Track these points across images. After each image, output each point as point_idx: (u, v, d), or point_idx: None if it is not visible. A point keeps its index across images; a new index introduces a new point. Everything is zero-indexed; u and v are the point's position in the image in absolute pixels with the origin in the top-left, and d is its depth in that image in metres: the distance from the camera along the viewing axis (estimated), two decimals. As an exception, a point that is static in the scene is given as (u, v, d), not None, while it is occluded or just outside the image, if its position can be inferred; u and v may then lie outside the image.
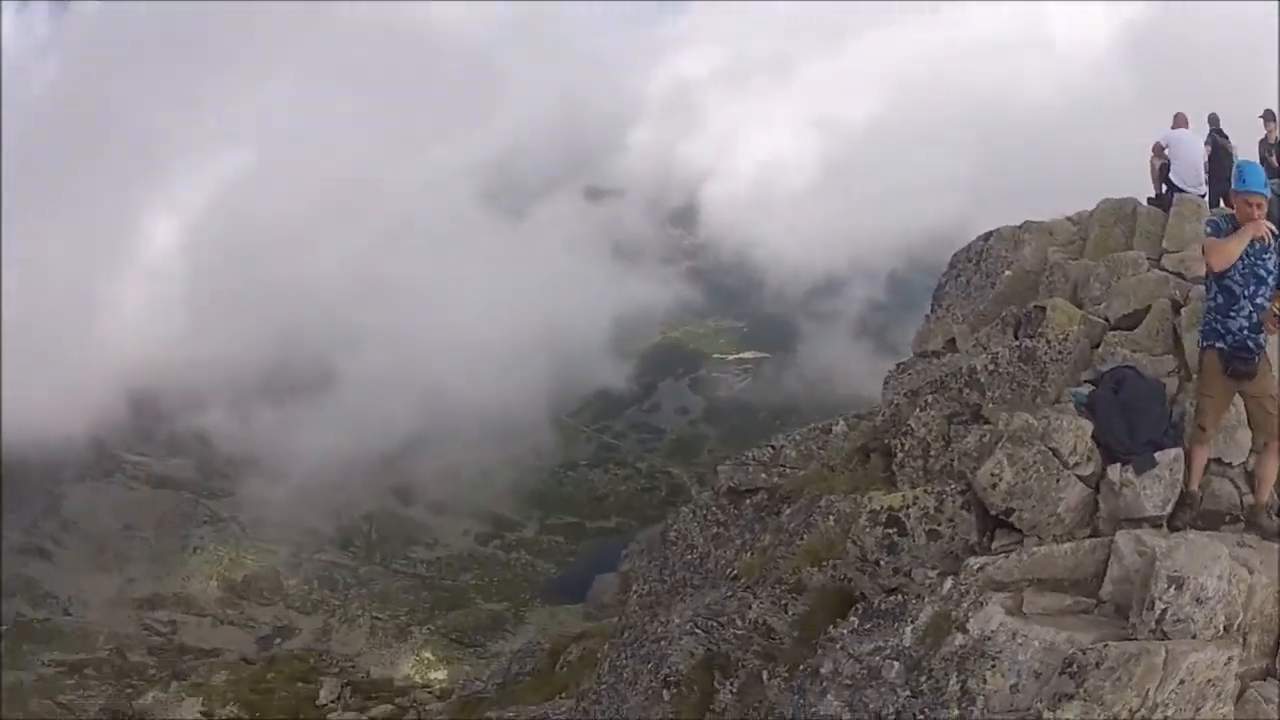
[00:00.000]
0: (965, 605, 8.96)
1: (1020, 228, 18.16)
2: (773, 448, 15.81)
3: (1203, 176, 18.10)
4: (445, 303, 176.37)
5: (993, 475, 9.81)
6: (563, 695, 25.66)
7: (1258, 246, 9.41)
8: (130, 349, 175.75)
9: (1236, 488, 10.78)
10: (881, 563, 10.60)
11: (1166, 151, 18.55)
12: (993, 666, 8.43)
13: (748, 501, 15.18)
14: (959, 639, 8.77)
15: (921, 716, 8.66)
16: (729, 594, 13.07)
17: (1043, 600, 8.99)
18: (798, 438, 15.76)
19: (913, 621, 9.45)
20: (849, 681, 9.76)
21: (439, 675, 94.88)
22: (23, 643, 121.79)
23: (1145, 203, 17.81)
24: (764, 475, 15.29)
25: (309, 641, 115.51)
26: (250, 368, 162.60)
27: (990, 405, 12.03)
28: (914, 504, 10.56)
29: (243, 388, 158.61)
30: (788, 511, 13.61)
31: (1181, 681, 7.61)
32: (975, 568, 9.34)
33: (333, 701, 50.47)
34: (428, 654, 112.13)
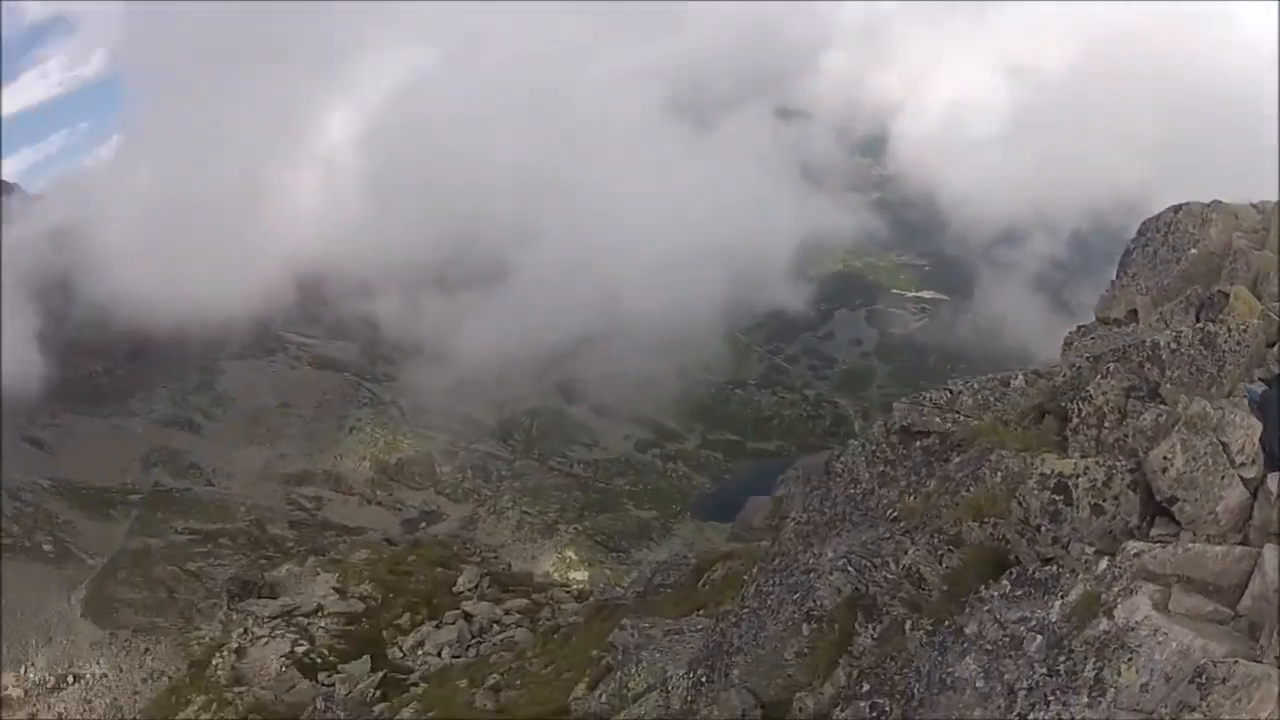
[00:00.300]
0: (1115, 590, 8.95)
1: (1209, 206, 17.67)
2: (950, 392, 15.61)
3: None
4: (624, 207, 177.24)
5: (1165, 459, 9.68)
6: (700, 613, 26.05)
7: None
8: (302, 235, 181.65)
9: None
10: (1043, 529, 10.58)
11: None
12: (1129, 660, 8.39)
13: (918, 444, 15.10)
14: (1104, 624, 8.77)
15: (1052, 698, 8.71)
16: (886, 535, 13.14)
17: (1188, 601, 8.83)
18: (975, 385, 15.51)
19: (1063, 597, 9.45)
20: (990, 647, 9.82)
21: (579, 576, 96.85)
22: (156, 510, 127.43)
23: None
24: (938, 419, 15.14)
25: (454, 529, 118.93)
26: (423, 258, 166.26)
27: (1168, 385, 11.82)
28: (1084, 474, 10.47)
29: (414, 277, 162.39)
30: (956, 460, 13.58)
31: None
32: (1131, 553, 9.28)
33: (470, 589, 51.68)
34: (570, 553, 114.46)
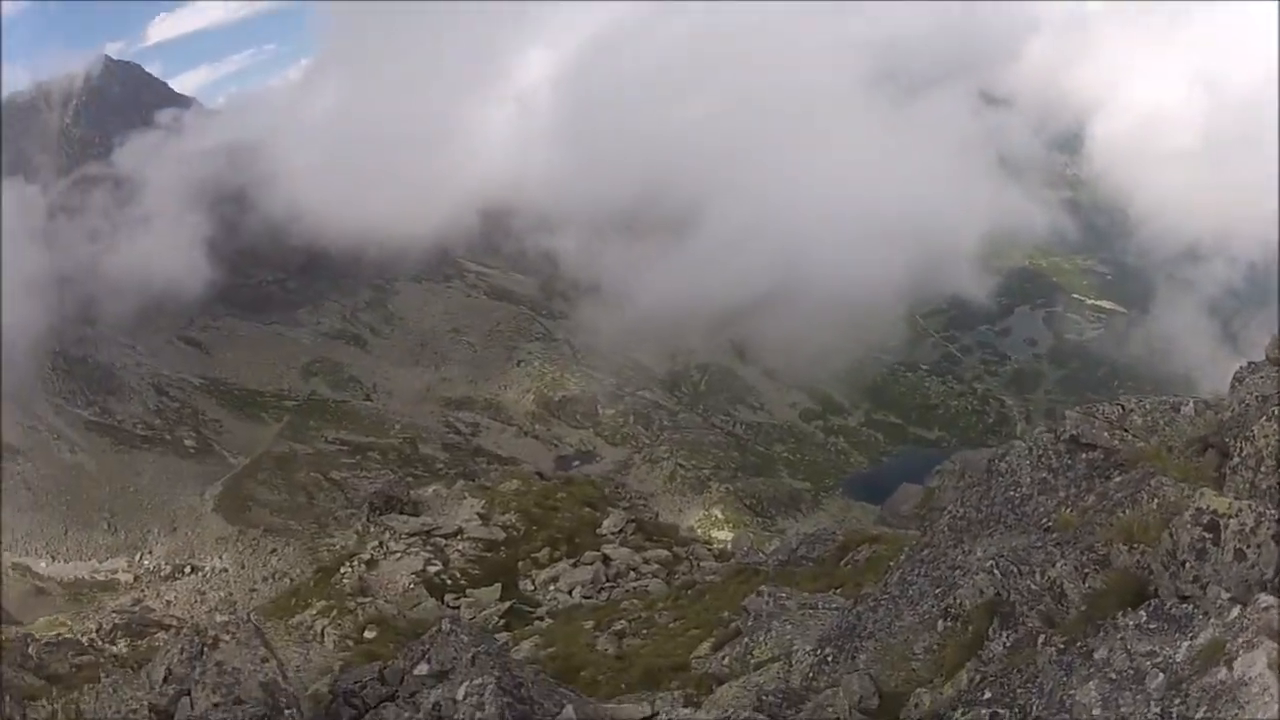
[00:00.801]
0: (1240, 641, 8.79)
1: None
2: (1122, 408, 15.43)
3: None
4: (816, 175, 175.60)
5: None
6: (838, 591, 26.08)
7: None
8: (489, 168, 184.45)
9: None
10: (1188, 565, 10.38)
11: None
12: (1235, 716, 8.23)
13: (1084, 456, 14.91)
14: (1222, 673, 8.62)
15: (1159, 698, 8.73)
16: (1038, 544, 13.05)
17: None
18: (1147, 406, 15.25)
19: (1192, 639, 9.35)
20: (1114, 676, 9.79)
21: (722, 535, 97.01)
22: (309, 418, 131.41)
23: None
24: (1106, 434, 14.97)
25: (608, 471, 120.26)
26: (609, 202, 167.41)
27: None
28: (1236, 515, 10.30)
29: (598, 219, 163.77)
30: (1118, 479, 13.33)
31: None
32: (1262, 606, 9.06)
33: (613, 533, 51.88)
34: (717, 512, 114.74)
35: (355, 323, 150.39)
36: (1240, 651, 8.61)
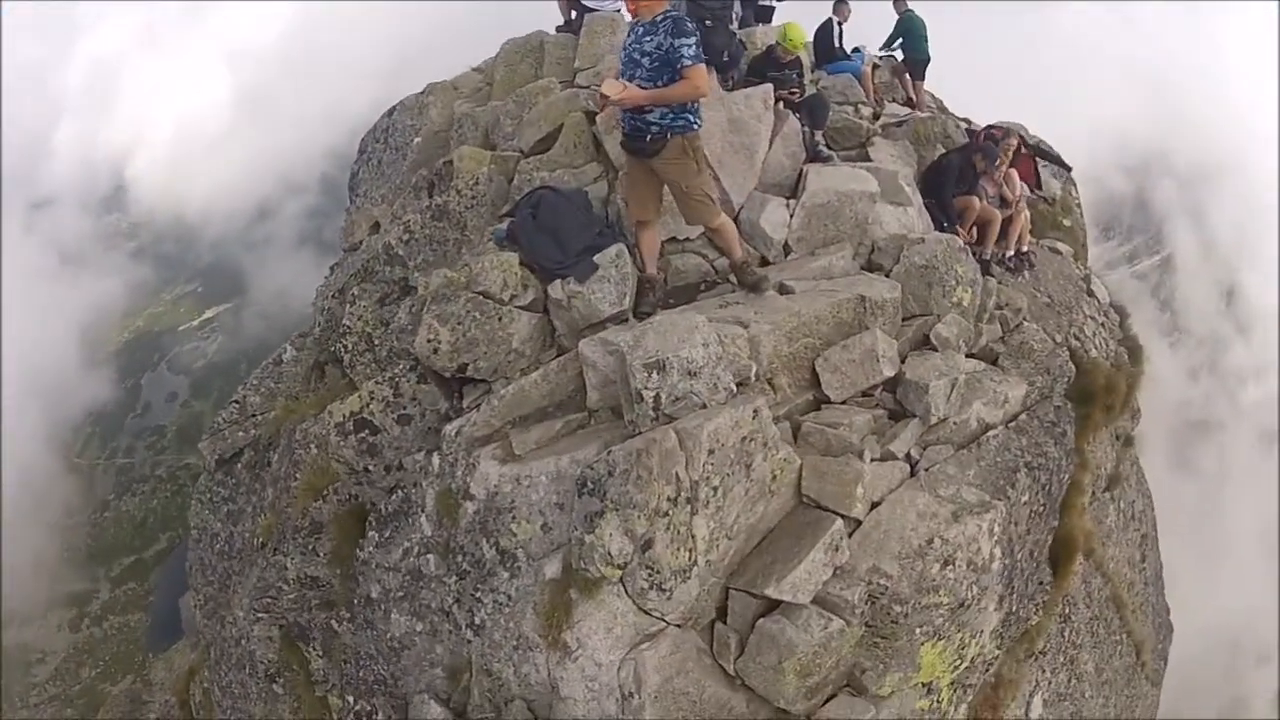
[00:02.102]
0: (460, 473, 8.79)
1: (424, 92, 17.42)
2: (238, 403, 14.95)
3: None
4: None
5: (429, 341, 9.51)
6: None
7: (639, 30, 9.27)
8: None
9: (703, 257, 11.03)
10: (370, 468, 10.26)
11: None
12: (514, 518, 8.32)
13: (239, 465, 14.32)
14: (470, 507, 8.61)
15: (478, 592, 8.54)
16: (265, 564, 12.39)
17: (532, 435, 8.84)
18: (255, 381, 14.90)
19: (424, 510, 9.23)
20: (400, 593, 9.50)
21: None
22: None
23: (555, 32, 17.05)
24: (240, 433, 14.44)
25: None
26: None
27: (415, 274, 11.66)
28: (372, 399, 10.23)
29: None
30: (275, 457, 12.95)
31: (712, 451, 7.63)
32: (453, 433, 9.14)
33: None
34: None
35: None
36: (468, 478, 8.87)
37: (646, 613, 7.74)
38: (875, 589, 8.09)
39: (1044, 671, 12.60)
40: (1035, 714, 12.53)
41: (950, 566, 8.30)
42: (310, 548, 11.05)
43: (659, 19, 9.18)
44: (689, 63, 9.00)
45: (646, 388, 8.01)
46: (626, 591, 7.69)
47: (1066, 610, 12.92)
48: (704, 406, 8.08)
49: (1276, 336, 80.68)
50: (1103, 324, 14.92)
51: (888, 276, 10.98)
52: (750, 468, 7.93)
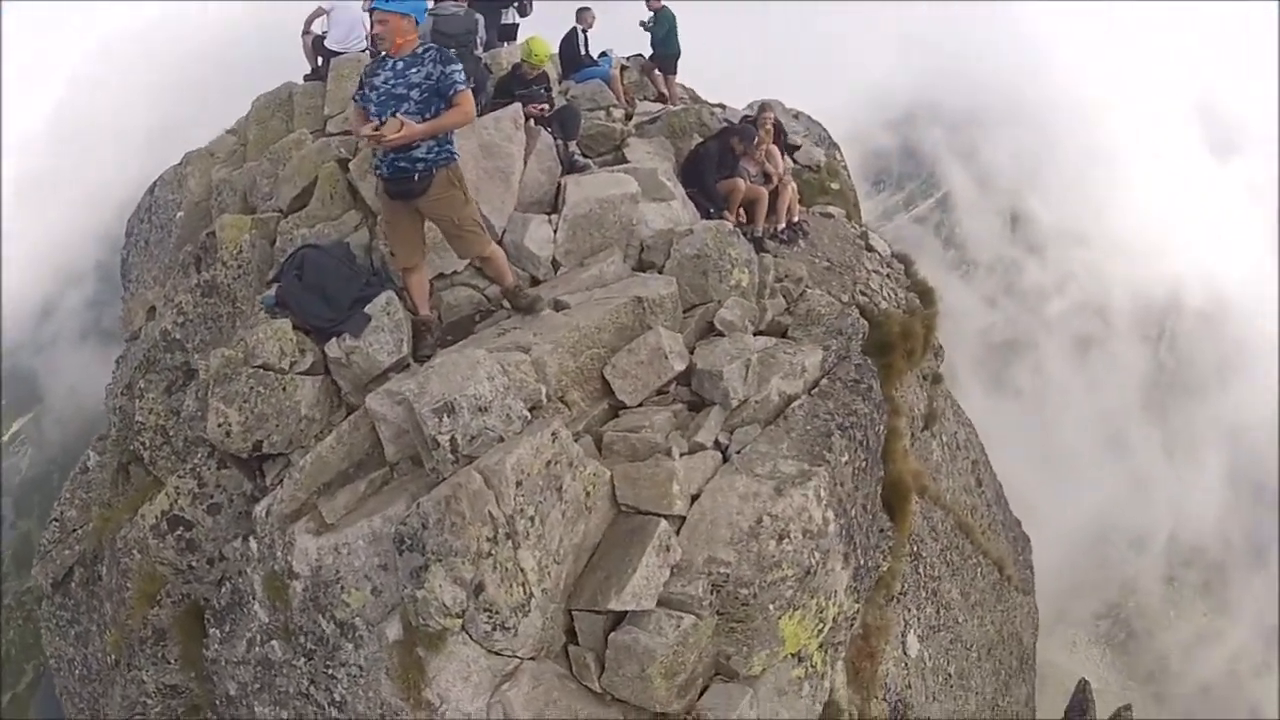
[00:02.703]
0: (280, 553, 8.59)
1: (181, 163, 16.92)
2: (57, 520, 14.30)
3: (360, 31, 16.81)
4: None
5: (219, 425, 9.26)
6: None
7: (400, 65, 9.16)
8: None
9: (473, 288, 11.00)
10: (193, 565, 9.99)
11: (317, 23, 17.44)
12: (342, 588, 8.19)
13: (73, 584, 13.70)
14: (298, 586, 8.44)
15: (330, 668, 8.36)
16: (124, 681, 11.93)
17: (339, 500, 8.69)
18: (67, 495, 14.29)
19: (255, 597, 8.98)
20: (257, 685, 9.21)
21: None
22: None
23: (303, 81, 17.02)
24: (66, 551, 13.78)
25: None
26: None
27: (196, 356, 11.35)
28: (179, 494, 9.95)
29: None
30: (103, 571, 12.45)
31: (519, 483, 7.57)
32: (263, 514, 8.94)
33: None
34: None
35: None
36: (288, 556, 8.86)
37: (497, 654, 7.68)
38: (717, 578, 8.15)
39: (910, 610, 12.97)
40: (914, 651, 12.90)
41: (786, 540, 8.40)
42: (160, 656, 10.72)
43: (420, 51, 9.18)
44: (461, 88, 9.04)
45: (440, 432, 7.95)
46: (471, 637, 7.61)
47: (915, 549, 13.32)
48: (501, 440, 8.05)
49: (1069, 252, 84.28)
50: (888, 275, 15.36)
51: (661, 273, 11.16)
52: (562, 490, 7.92)
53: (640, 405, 9.60)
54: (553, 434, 8.04)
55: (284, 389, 9.38)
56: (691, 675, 8.12)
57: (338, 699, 8.42)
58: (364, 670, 8.17)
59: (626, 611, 7.93)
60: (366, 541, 8.12)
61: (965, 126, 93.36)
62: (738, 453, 9.25)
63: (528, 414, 8.39)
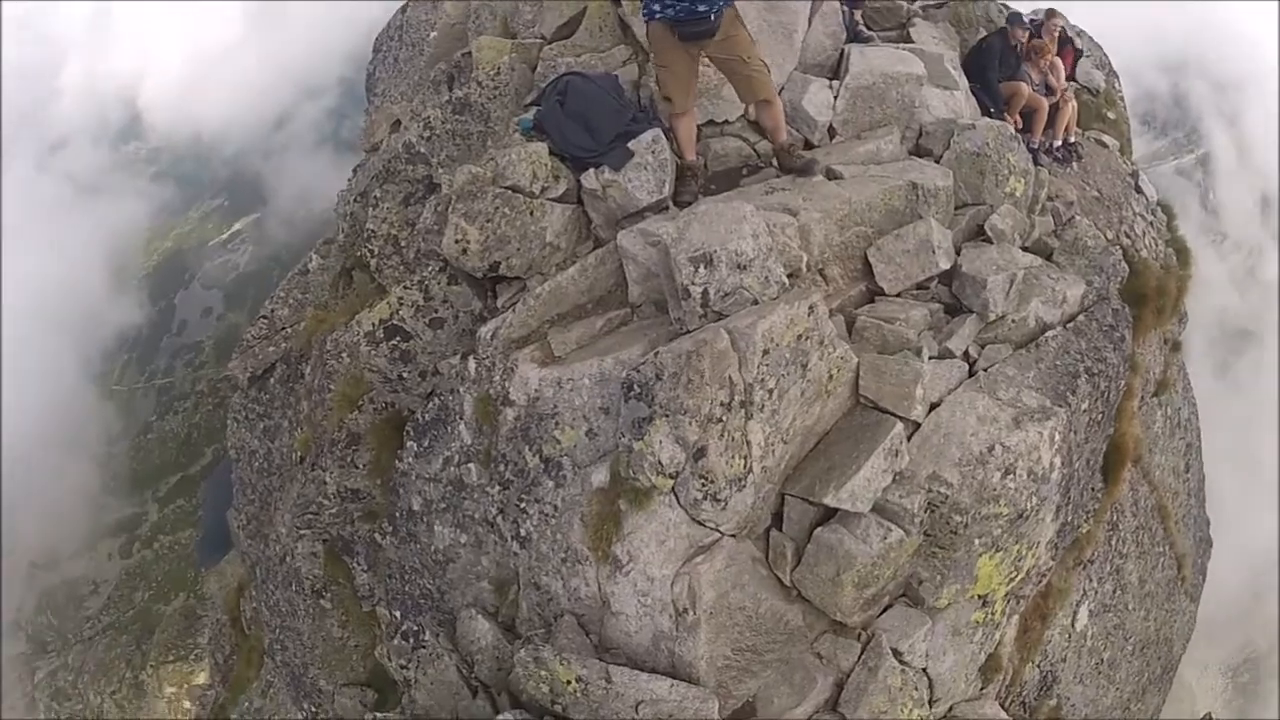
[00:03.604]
0: (498, 377, 8.38)
1: None
2: (265, 318, 14.56)
3: None
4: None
5: (457, 242, 8.95)
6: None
7: None
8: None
9: (744, 140, 10.48)
10: (404, 375, 9.86)
11: None
12: (557, 424, 7.94)
13: (272, 380, 13.94)
14: (510, 413, 8.22)
15: (523, 502, 8.19)
16: (305, 479, 12.10)
17: (572, 334, 8.40)
18: (281, 293, 14.48)
19: (462, 418, 8.83)
20: (443, 505, 9.14)
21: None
22: None
23: None
24: (271, 348, 14.05)
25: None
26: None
27: (439, 171, 11.03)
28: (401, 304, 9.80)
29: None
30: (307, 370, 12.52)
31: (766, 351, 7.17)
32: (488, 336, 8.69)
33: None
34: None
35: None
36: (506, 382, 8.36)
37: (700, 524, 7.36)
38: (935, 497, 7.78)
39: (1091, 581, 12.40)
40: (1081, 624, 12.34)
41: (1011, 476, 7.97)
42: (349, 460, 10.71)
43: None
44: None
45: (693, 283, 7.56)
46: (679, 502, 7.30)
47: (1115, 518, 12.70)
48: (755, 302, 7.61)
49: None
50: (1151, 223, 14.44)
51: (938, 163, 10.49)
52: (806, 367, 7.48)
53: (898, 295, 9.09)
54: (810, 306, 7.58)
55: (531, 213, 9.05)
56: (880, 591, 7.84)
57: (523, 534, 8.29)
58: (558, 511, 7.99)
59: (838, 509, 7.57)
60: (592, 380, 7.83)
61: (1230, 90, 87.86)
62: (985, 370, 8.73)
63: (785, 280, 7.89)
